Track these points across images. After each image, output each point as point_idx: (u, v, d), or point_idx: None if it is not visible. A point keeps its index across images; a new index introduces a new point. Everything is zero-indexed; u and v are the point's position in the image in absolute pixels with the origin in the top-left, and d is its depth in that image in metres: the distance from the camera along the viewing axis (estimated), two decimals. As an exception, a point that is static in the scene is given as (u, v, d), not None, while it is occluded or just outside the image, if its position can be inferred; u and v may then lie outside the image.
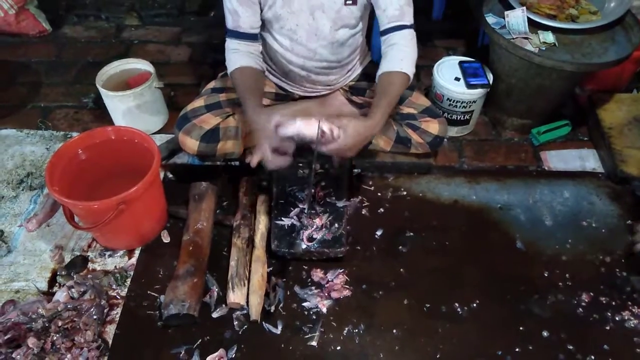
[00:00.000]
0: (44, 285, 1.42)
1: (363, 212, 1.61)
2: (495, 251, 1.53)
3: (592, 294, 1.42)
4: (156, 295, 1.39)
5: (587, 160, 1.81)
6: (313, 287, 1.41)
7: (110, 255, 1.49)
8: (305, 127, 1.23)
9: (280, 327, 1.33)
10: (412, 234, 1.56)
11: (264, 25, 1.47)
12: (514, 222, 1.60)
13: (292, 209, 1.50)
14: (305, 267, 1.46)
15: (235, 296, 1.33)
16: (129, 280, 1.42)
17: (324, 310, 1.37)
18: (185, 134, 1.54)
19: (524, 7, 1.68)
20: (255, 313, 1.32)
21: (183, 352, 1.28)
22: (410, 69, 1.39)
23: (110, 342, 1.30)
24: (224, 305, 1.36)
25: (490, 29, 1.70)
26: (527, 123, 1.88)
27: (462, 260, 1.50)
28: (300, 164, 1.60)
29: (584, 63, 1.61)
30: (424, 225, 1.58)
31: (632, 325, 1.36)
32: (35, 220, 1.55)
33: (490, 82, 1.76)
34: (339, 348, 1.30)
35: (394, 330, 1.34)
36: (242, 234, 1.45)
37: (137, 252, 1.49)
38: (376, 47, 2.01)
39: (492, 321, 1.36)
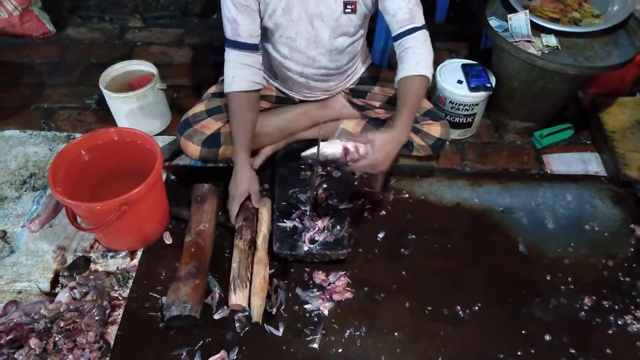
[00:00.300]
0: (46, 286, 1.42)
1: (365, 215, 1.61)
2: (498, 254, 1.52)
3: (594, 297, 1.42)
4: (158, 296, 1.39)
5: (589, 163, 1.80)
6: (315, 289, 1.41)
7: (112, 257, 1.49)
8: (328, 148, 1.23)
9: (281, 329, 1.33)
10: (414, 236, 1.56)
11: (264, 34, 1.47)
12: (516, 225, 1.60)
13: (294, 211, 1.50)
14: (307, 269, 1.46)
15: (237, 298, 1.33)
16: (131, 282, 1.43)
17: (326, 312, 1.37)
18: (186, 139, 1.55)
19: (527, 10, 1.68)
20: (257, 315, 1.32)
21: (185, 354, 1.28)
22: (428, 71, 1.37)
23: (112, 343, 1.30)
24: (225, 307, 1.36)
25: (493, 32, 1.70)
26: (530, 126, 1.88)
27: (464, 263, 1.49)
28: (303, 167, 1.60)
29: (587, 66, 1.61)
30: (426, 228, 1.58)
31: (635, 329, 1.36)
32: (38, 221, 1.55)
33: (493, 85, 1.76)
34: (340, 350, 1.30)
35: (396, 333, 1.34)
36: (244, 235, 1.45)
37: (139, 254, 1.50)
38: (377, 49, 2.02)
39: (494, 324, 1.36)
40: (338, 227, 1.46)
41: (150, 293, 1.40)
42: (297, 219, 1.48)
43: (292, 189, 1.57)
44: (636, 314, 1.38)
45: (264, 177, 1.67)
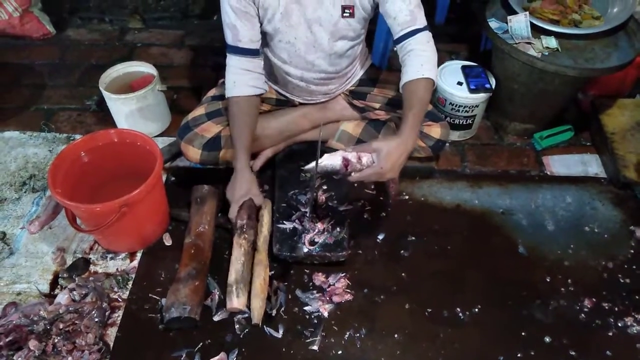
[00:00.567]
0: (45, 288, 1.42)
1: (365, 216, 1.61)
2: (497, 256, 1.52)
3: (594, 299, 1.42)
4: (158, 298, 1.39)
5: (589, 165, 1.80)
6: (315, 291, 1.41)
7: (112, 258, 1.49)
8: (328, 160, 1.24)
9: (281, 331, 1.33)
10: (414, 238, 1.56)
11: (263, 39, 1.47)
12: (516, 227, 1.60)
13: (294, 212, 1.50)
14: (307, 271, 1.46)
15: (237, 300, 1.33)
16: (130, 283, 1.42)
17: (326, 314, 1.36)
18: (187, 143, 1.55)
19: (527, 12, 1.68)
20: (256, 317, 1.31)
21: (184, 356, 1.27)
22: (432, 73, 1.35)
23: (111, 344, 1.30)
24: (225, 309, 1.35)
25: (493, 34, 1.71)
26: (530, 128, 1.88)
27: (464, 265, 1.49)
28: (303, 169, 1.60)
29: (587, 68, 1.61)
30: (426, 230, 1.58)
31: (635, 331, 1.35)
32: (38, 223, 1.55)
33: (493, 86, 1.76)
34: (340, 352, 1.30)
35: (396, 335, 1.34)
36: (244, 237, 1.45)
37: (138, 255, 1.49)
38: (377, 51, 2.02)
39: (493, 326, 1.36)
40: (338, 229, 1.46)
41: (150, 295, 1.40)
42: (297, 221, 1.48)
43: (292, 190, 1.57)
44: (636, 316, 1.38)
45: (264, 179, 1.67)
